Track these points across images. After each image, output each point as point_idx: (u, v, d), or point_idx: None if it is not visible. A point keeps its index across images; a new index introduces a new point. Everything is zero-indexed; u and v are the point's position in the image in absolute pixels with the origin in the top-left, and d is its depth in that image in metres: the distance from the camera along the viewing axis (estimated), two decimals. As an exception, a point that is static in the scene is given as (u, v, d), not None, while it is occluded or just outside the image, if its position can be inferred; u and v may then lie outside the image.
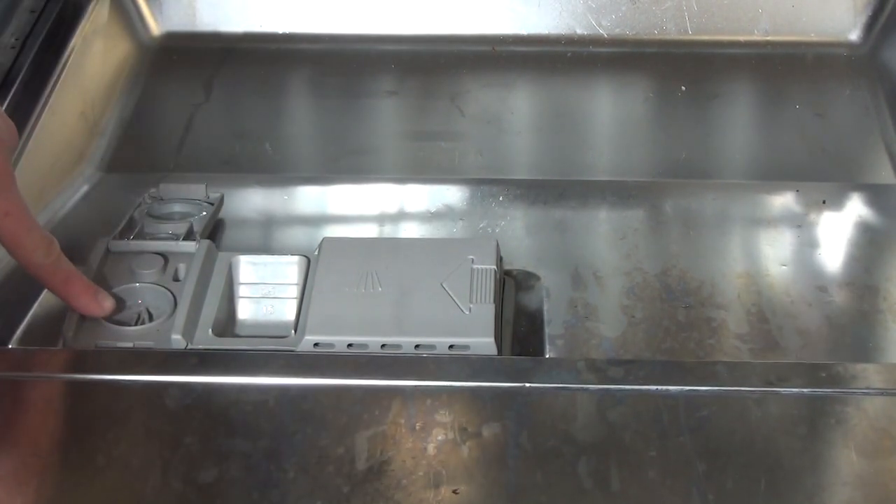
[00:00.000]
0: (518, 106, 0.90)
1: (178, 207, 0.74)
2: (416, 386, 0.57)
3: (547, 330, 0.67)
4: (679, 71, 0.92)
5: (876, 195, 0.79)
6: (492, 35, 0.94)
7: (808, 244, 0.74)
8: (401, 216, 0.79)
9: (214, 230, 0.74)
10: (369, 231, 0.77)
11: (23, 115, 0.77)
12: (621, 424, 0.55)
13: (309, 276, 0.66)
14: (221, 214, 0.76)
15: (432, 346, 0.62)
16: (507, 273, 0.70)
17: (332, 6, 0.95)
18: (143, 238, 0.70)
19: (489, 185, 0.80)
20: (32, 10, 0.85)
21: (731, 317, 0.67)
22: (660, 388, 0.57)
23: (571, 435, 0.54)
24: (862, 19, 0.93)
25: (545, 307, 0.68)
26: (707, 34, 0.94)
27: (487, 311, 0.63)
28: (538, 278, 0.71)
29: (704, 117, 0.88)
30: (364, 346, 0.62)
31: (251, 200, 0.80)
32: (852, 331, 0.67)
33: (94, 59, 0.89)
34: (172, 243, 0.69)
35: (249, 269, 0.67)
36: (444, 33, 0.94)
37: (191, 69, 0.93)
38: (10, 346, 0.64)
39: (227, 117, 0.89)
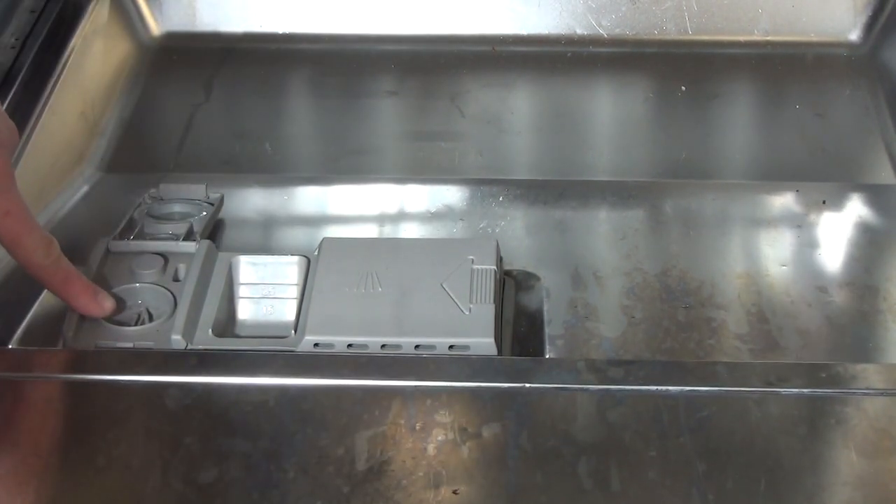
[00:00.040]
0: (518, 106, 0.90)
1: (178, 207, 0.74)
2: (416, 386, 0.57)
3: (547, 330, 0.67)
4: (679, 71, 0.92)
5: (876, 195, 0.79)
6: (492, 35, 0.94)
7: (808, 244, 0.74)
8: (401, 216, 0.79)
9: (214, 230, 0.74)
10: (369, 231, 0.77)
11: (23, 115, 0.77)
12: (621, 425, 0.55)
13: (309, 277, 0.66)
14: (221, 214, 0.76)
15: (432, 347, 0.62)
16: (507, 273, 0.70)
17: (332, 6, 0.95)
18: (143, 238, 0.70)
19: (489, 185, 0.80)
20: (32, 10, 0.85)
21: (731, 317, 0.68)
22: (660, 388, 0.57)
23: (571, 435, 0.54)
24: (862, 19, 0.93)
25: (545, 307, 0.68)
26: (707, 34, 0.94)
27: (487, 311, 0.63)
28: (538, 278, 0.71)
29: (704, 117, 0.88)
30: (364, 346, 0.62)
31: (251, 200, 0.80)
32: (852, 331, 0.67)
33: (94, 59, 0.89)
34: (172, 243, 0.69)
35: (249, 269, 0.67)
36: (444, 33, 0.94)
37: (191, 69, 0.93)
38: (10, 347, 0.64)
39: (227, 117, 0.89)
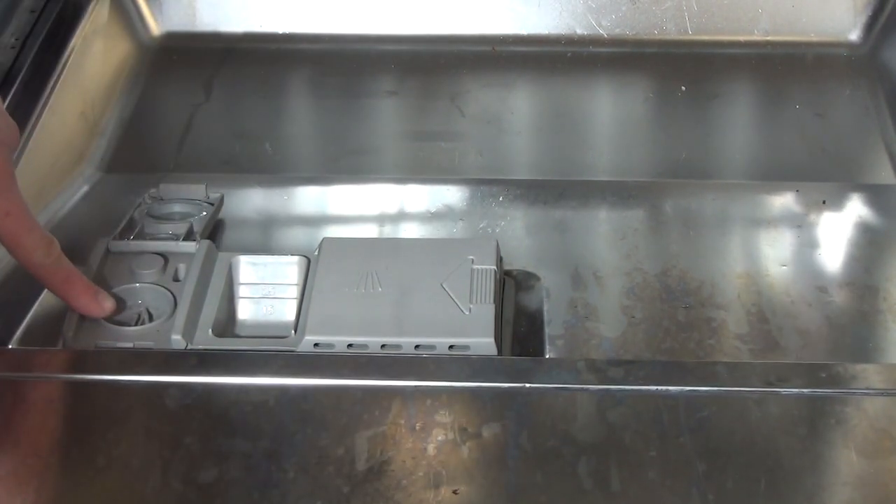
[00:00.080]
0: (518, 106, 0.90)
1: (178, 207, 0.74)
2: (416, 386, 0.57)
3: (547, 330, 0.67)
4: (679, 71, 0.92)
5: (876, 195, 0.79)
6: (492, 35, 0.94)
7: (808, 244, 0.74)
8: (401, 216, 0.79)
9: (214, 230, 0.74)
10: (369, 231, 0.77)
11: (23, 115, 0.77)
12: (621, 425, 0.55)
13: (309, 277, 0.66)
14: (221, 214, 0.76)
15: (432, 347, 0.62)
16: (507, 273, 0.70)
17: (332, 6, 0.95)
18: (143, 238, 0.70)
19: (489, 185, 0.80)
20: (32, 10, 0.85)
21: (731, 317, 0.68)
22: (660, 388, 0.57)
23: (571, 435, 0.54)
24: (862, 19, 0.93)
25: (545, 307, 0.68)
26: (707, 34, 0.94)
27: (487, 311, 0.63)
28: (538, 278, 0.71)
29: (704, 117, 0.88)
30: (364, 346, 0.62)
31: (251, 200, 0.80)
32: (852, 331, 0.67)
33: (94, 59, 0.89)
34: (172, 243, 0.69)
35: (249, 269, 0.67)
36: (444, 33, 0.94)
37: (191, 69, 0.93)
38: (10, 347, 0.64)
39: (227, 117, 0.89)
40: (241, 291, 0.67)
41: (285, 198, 0.81)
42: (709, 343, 0.66)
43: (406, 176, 0.82)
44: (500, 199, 0.79)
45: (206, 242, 0.68)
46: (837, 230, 0.76)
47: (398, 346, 0.62)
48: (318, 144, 0.88)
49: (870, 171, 0.83)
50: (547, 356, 0.65)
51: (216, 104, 0.90)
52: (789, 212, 0.77)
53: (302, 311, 0.64)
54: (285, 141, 0.87)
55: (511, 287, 0.69)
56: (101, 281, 0.66)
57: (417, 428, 0.55)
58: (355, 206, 0.80)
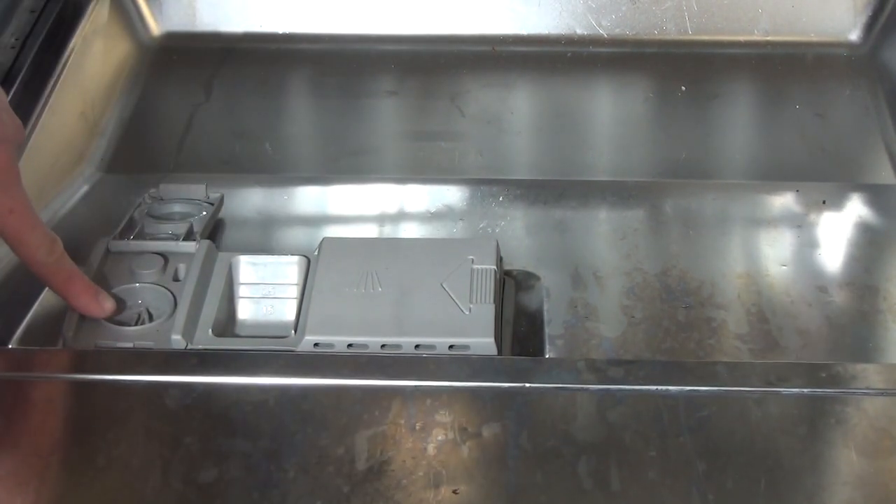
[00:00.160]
0: (518, 106, 0.90)
1: (178, 207, 0.74)
2: (416, 386, 0.57)
3: (547, 330, 0.67)
4: (679, 71, 0.92)
5: (876, 195, 0.79)
6: (492, 35, 0.94)
7: (808, 244, 0.74)
8: (401, 216, 0.79)
9: (214, 230, 0.74)
10: (369, 231, 0.77)
11: (23, 115, 0.77)
12: (621, 424, 0.55)
13: (309, 277, 0.66)
14: (221, 214, 0.76)
15: (432, 347, 0.62)
16: (507, 273, 0.70)
17: (332, 6, 0.95)
18: (143, 238, 0.70)
19: (489, 185, 0.80)
20: (32, 10, 0.85)
21: (731, 317, 0.68)
22: (660, 388, 0.57)
23: (571, 435, 0.54)
24: (862, 19, 0.93)
25: (545, 307, 0.68)
26: (707, 34, 0.94)
27: (487, 311, 0.63)
28: (538, 278, 0.71)
29: (704, 117, 0.88)
30: (364, 346, 0.62)
31: (251, 200, 0.80)
32: (852, 331, 0.67)
33: (94, 59, 0.89)
34: (172, 243, 0.69)
35: (249, 269, 0.67)
36: (444, 33, 0.94)
37: (191, 69, 0.93)
38: (10, 346, 0.64)
39: (227, 117, 0.89)
40: (241, 291, 0.67)
41: (285, 198, 0.81)
42: (709, 343, 0.66)
43: (406, 176, 0.82)
44: (500, 199, 0.79)
45: (206, 242, 0.68)
46: (837, 230, 0.76)
47: (398, 346, 0.62)
48: (318, 144, 0.88)
49: (870, 171, 0.83)
50: (547, 356, 0.65)
51: (216, 104, 0.90)
52: (789, 212, 0.77)
53: (302, 311, 0.64)
54: (285, 141, 0.87)
55: (511, 287, 0.69)
56: (101, 281, 0.66)
57: (417, 428, 0.55)
58: (355, 206, 0.80)
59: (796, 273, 0.72)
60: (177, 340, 0.62)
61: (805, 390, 0.57)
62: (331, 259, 0.66)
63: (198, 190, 0.75)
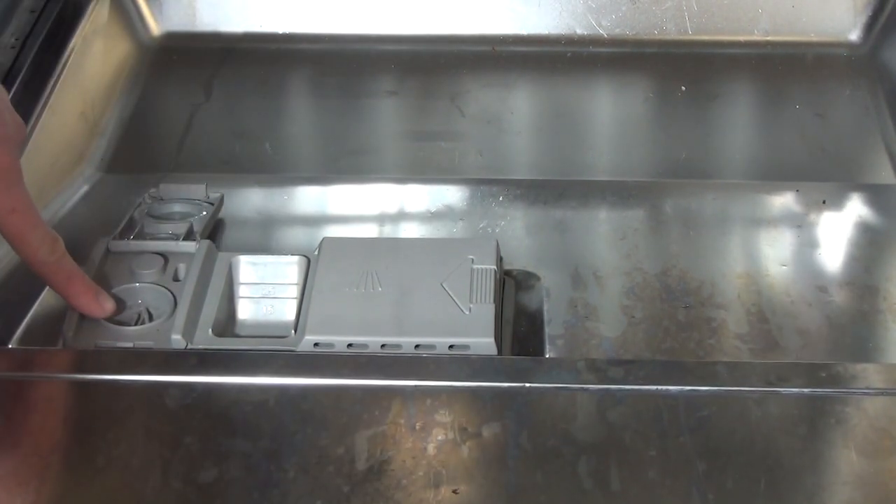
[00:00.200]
0: (518, 106, 0.90)
1: (178, 207, 0.74)
2: (416, 386, 0.57)
3: (547, 330, 0.67)
4: (679, 71, 0.92)
5: (876, 195, 0.79)
6: (492, 35, 0.94)
7: (808, 244, 0.74)
8: (401, 216, 0.79)
9: (214, 230, 0.74)
10: (369, 231, 0.77)
11: (23, 115, 0.75)
12: (621, 424, 0.55)
13: (309, 276, 0.66)
14: (221, 214, 0.76)
15: (432, 346, 0.62)
16: (507, 273, 0.70)
17: (332, 6, 0.95)
18: (143, 238, 0.70)
19: (489, 185, 0.80)
20: (32, 10, 0.85)
21: (731, 317, 0.68)
22: (660, 387, 0.57)
23: (571, 435, 0.54)
24: (862, 19, 0.93)
25: (545, 307, 0.68)
26: (707, 34, 0.94)
27: (487, 310, 0.63)
28: (538, 278, 0.71)
29: (704, 117, 0.88)
30: (364, 346, 0.62)
31: (251, 200, 0.80)
32: (852, 331, 0.67)
33: (94, 59, 0.89)
34: (172, 243, 0.69)
35: (249, 269, 0.67)
36: (444, 33, 0.94)
37: (191, 69, 0.93)
38: (10, 346, 0.64)
39: (227, 117, 0.89)
40: (241, 291, 0.67)
41: (285, 198, 0.81)
42: (709, 343, 0.66)
43: (406, 176, 0.82)
44: (500, 198, 0.79)
45: (206, 242, 0.68)
46: (837, 230, 0.76)
47: (398, 346, 0.62)
48: (318, 144, 0.88)
49: (870, 170, 0.83)
50: (547, 356, 0.65)
51: (216, 104, 0.90)
52: (789, 212, 0.77)
53: (302, 311, 0.64)
54: (285, 141, 0.87)
55: (511, 287, 0.69)
56: (101, 281, 0.66)
57: (417, 427, 0.55)
58: (355, 206, 0.80)
59: (796, 273, 0.72)
60: (177, 340, 0.62)
61: (805, 390, 0.57)
62: (331, 259, 0.66)
63: (198, 190, 0.75)
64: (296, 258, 0.67)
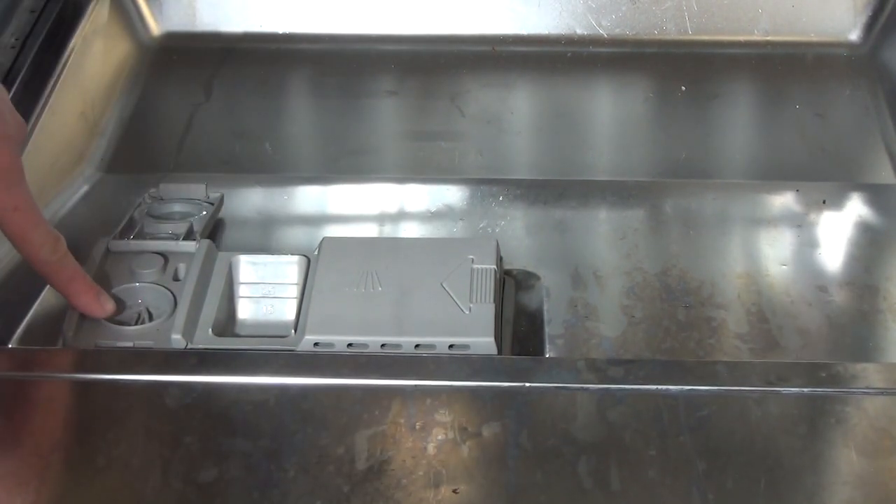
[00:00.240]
0: (518, 106, 0.90)
1: (178, 207, 0.74)
2: (416, 385, 0.57)
3: (547, 329, 0.67)
4: (679, 71, 0.92)
5: (876, 195, 0.79)
6: (492, 35, 0.94)
7: (808, 244, 0.74)
8: (401, 216, 0.79)
9: (214, 230, 0.74)
10: (369, 231, 0.77)
11: (23, 115, 0.75)
12: (621, 424, 0.55)
13: (309, 276, 0.66)
14: (221, 214, 0.76)
15: (432, 346, 0.62)
16: (507, 273, 0.70)
17: (332, 6, 0.95)
18: (143, 238, 0.70)
19: (489, 184, 0.80)
20: (32, 10, 0.85)
21: (731, 316, 0.67)
22: (660, 387, 0.57)
23: (571, 434, 0.54)
24: (862, 19, 0.93)
25: (545, 307, 0.68)
26: (707, 34, 0.94)
27: (487, 310, 0.63)
28: (538, 278, 0.71)
29: (704, 117, 0.88)
30: (364, 345, 0.62)
31: (251, 200, 0.80)
32: (852, 330, 0.67)
33: (94, 59, 0.89)
34: (172, 243, 0.69)
35: (249, 268, 0.67)
36: (444, 33, 0.94)
37: (191, 69, 0.93)
38: (10, 346, 0.64)
39: (227, 117, 0.89)
40: (241, 291, 0.67)
41: (285, 197, 0.81)
42: (709, 342, 0.66)
43: (406, 176, 0.82)
44: (500, 198, 0.79)
45: (206, 242, 0.68)
46: (837, 230, 0.76)
47: (398, 346, 0.62)
48: (318, 144, 0.88)
49: (870, 170, 0.83)
50: (547, 355, 0.65)
51: (216, 104, 0.90)
52: (789, 211, 0.77)
53: (302, 311, 0.64)
54: (285, 141, 0.87)
55: (511, 286, 0.69)
56: (101, 280, 0.66)
57: (417, 427, 0.55)
58: (355, 206, 0.80)
59: (796, 273, 0.72)
60: (177, 340, 0.62)
61: (805, 390, 0.57)
62: (331, 259, 0.66)
63: (198, 190, 0.75)
64: (296, 258, 0.67)
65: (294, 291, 0.67)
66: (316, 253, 0.67)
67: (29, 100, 0.79)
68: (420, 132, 0.88)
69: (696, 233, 0.75)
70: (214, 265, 0.67)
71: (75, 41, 0.86)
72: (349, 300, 0.64)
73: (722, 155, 0.86)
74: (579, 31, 0.94)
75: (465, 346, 0.62)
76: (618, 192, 0.79)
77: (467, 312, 0.63)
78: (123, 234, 0.70)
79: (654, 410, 0.56)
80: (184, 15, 0.95)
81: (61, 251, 0.62)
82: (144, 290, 0.66)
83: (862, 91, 0.89)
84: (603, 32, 0.94)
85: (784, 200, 0.79)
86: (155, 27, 0.95)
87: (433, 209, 0.78)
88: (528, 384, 0.57)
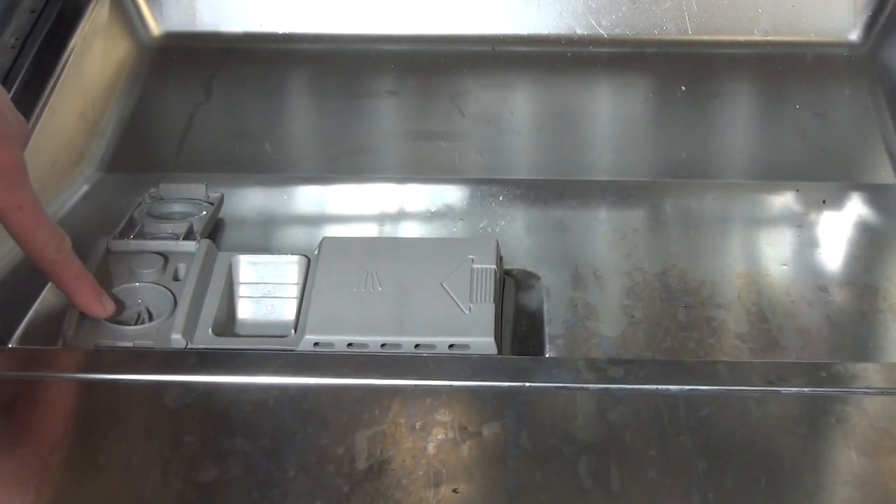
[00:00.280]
0: (518, 106, 0.90)
1: (178, 207, 0.74)
2: (416, 385, 0.57)
3: (547, 329, 0.67)
4: (679, 71, 0.92)
5: (876, 195, 0.79)
6: (492, 35, 0.94)
7: (808, 244, 0.74)
8: (401, 216, 0.79)
9: (214, 230, 0.74)
10: (369, 231, 0.77)
11: (23, 114, 0.77)
12: (621, 424, 0.55)
13: (309, 276, 0.66)
14: (221, 214, 0.76)
15: (432, 346, 0.62)
16: (507, 273, 0.70)
17: (332, 6, 0.95)
18: (143, 238, 0.70)
19: (489, 184, 0.80)
20: (32, 10, 0.85)
21: (732, 316, 0.67)
22: (660, 387, 0.57)
23: (571, 434, 0.54)
24: (862, 19, 0.93)
25: (545, 307, 0.68)
26: (707, 34, 0.94)
27: (487, 310, 0.63)
28: (538, 278, 0.71)
29: (704, 117, 0.88)
30: (364, 345, 0.62)
31: (251, 200, 0.80)
32: (852, 330, 0.67)
33: (94, 59, 0.89)
34: (172, 243, 0.69)
35: (249, 268, 0.67)
36: (444, 33, 0.94)
37: (191, 69, 0.93)
38: (9, 346, 0.64)
39: (227, 117, 0.89)
40: (241, 291, 0.67)
41: (285, 197, 0.81)
42: (709, 342, 0.66)
43: (406, 175, 0.82)
44: (500, 198, 0.79)
45: (206, 242, 0.68)
46: (837, 230, 0.76)
47: (398, 346, 0.62)
48: (318, 144, 0.88)
49: (870, 170, 0.83)
50: (547, 355, 0.65)
51: (216, 104, 0.90)
52: (789, 211, 0.77)
53: (302, 311, 0.64)
54: (285, 141, 0.87)
55: (511, 286, 0.69)
56: (102, 280, 0.66)
57: (417, 427, 0.55)
58: (355, 206, 0.80)
59: (796, 272, 0.71)
60: (177, 340, 0.62)
61: (805, 389, 0.57)
62: (331, 258, 0.66)
63: (198, 189, 0.75)
64: (296, 258, 0.67)
65: (294, 291, 0.67)
66: (316, 253, 0.67)
67: (29, 100, 0.79)
68: (420, 132, 0.88)
69: (696, 233, 0.75)
70: (214, 265, 0.67)
71: (75, 41, 0.86)
72: (349, 300, 0.64)
73: (722, 155, 0.85)
74: (579, 31, 0.94)
75: (465, 346, 0.61)
76: (618, 192, 0.79)
77: (467, 312, 0.63)
78: (123, 234, 0.70)
79: (654, 410, 0.56)
80: (184, 15, 0.95)
81: (66, 250, 0.62)
82: (144, 289, 0.66)
83: (862, 91, 0.89)
84: (603, 32, 0.94)
85: (784, 200, 0.79)
86: (155, 27, 0.95)
87: (433, 209, 0.78)
88: (528, 384, 0.57)
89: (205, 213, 0.73)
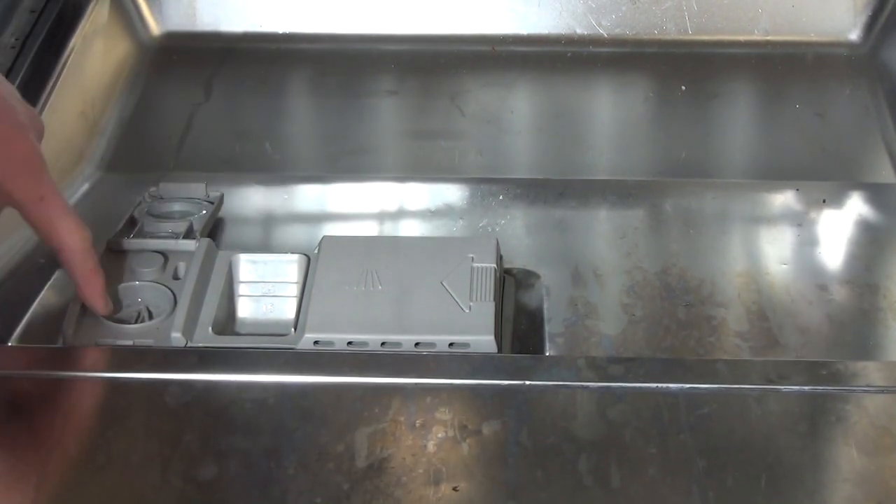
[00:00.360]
0: (518, 106, 0.90)
1: (177, 206, 0.74)
2: (416, 383, 0.57)
3: (547, 328, 0.67)
4: (679, 71, 0.92)
5: (876, 194, 0.79)
6: (492, 35, 0.94)
7: (808, 243, 0.74)
8: (401, 215, 0.79)
9: (214, 229, 0.74)
10: (369, 230, 0.77)
11: (23, 114, 0.77)
12: (621, 422, 0.55)
13: (309, 275, 0.66)
14: (221, 213, 0.76)
15: (432, 344, 0.62)
16: (508, 271, 0.70)
17: (332, 6, 0.95)
18: (143, 236, 0.70)
19: (489, 184, 0.80)
20: (32, 10, 0.85)
21: (732, 315, 0.67)
22: (660, 385, 0.57)
23: (571, 432, 0.54)
24: (862, 19, 0.93)
25: (545, 305, 0.68)
26: (707, 34, 0.94)
27: (487, 309, 0.63)
28: (538, 276, 0.71)
29: (704, 117, 0.88)
30: (364, 343, 0.62)
31: (251, 199, 0.80)
32: (852, 329, 0.67)
33: (94, 59, 0.89)
34: (172, 242, 0.69)
35: (249, 267, 0.67)
36: (444, 33, 0.94)
37: (191, 69, 0.93)
38: (9, 344, 0.64)
39: (227, 117, 0.89)
40: (241, 289, 0.67)
41: (285, 196, 0.81)
42: (709, 341, 0.66)
43: (406, 175, 0.82)
44: (500, 197, 0.79)
45: (206, 241, 0.68)
46: (837, 228, 0.76)
47: (398, 344, 0.62)
48: (318, 144, 0.88)
49: (870, 170, 0.84)
50: (547, 354, 0.65)
51: (216, 104, 0.90)
52: (789, 210, 0.78)
53: (302, 309, 0.64)
54: (285, 141, 0.87)
55: (511, 285, 0.69)
56: (102, 279, 0.66)
57: (417, 425, 0.55)
58: (355, 205, 0.80)
59: (796, 271, 0.71)
60: (177, 338, 0.62)
61: (805, 388, 0.57)
62: (331, 257, 0.66)
63: (198, 189, 0.75)
64: (296, 256, 0.67)
65: (294, 290, 0.67)
66: (316, 251, 0.67)
67: (29, 100, 0.77)
68: (420, 132, 0.88)
69: (696, 232, 0.75)
70: (214, 264, 0.67)
71: (75, 41, 0.86)
72: (349, 299, 0.64)
73: (722, 154, 0.86)
74: (579, 31, 0.94)
75: (465, 345, 0.61)
76: (618, 192, 0.79)
77: (467, 311, 0.63)
78: (123, 233, 0.70)
79: (655, 408, 0.56)
80: (184, 15, 0.95)
81: (88, 241, 0.61)
82: (144, 288, 0.66)
83: (862, 91, 0.89)
84: (603, 32, 0.94)
85: (784, 199, 0.79)
86: (155, 27, 0.95)
87: (433, 208, 0.78)
88: (528, 382, 0.57)
89: (205, 212, 0.73)
